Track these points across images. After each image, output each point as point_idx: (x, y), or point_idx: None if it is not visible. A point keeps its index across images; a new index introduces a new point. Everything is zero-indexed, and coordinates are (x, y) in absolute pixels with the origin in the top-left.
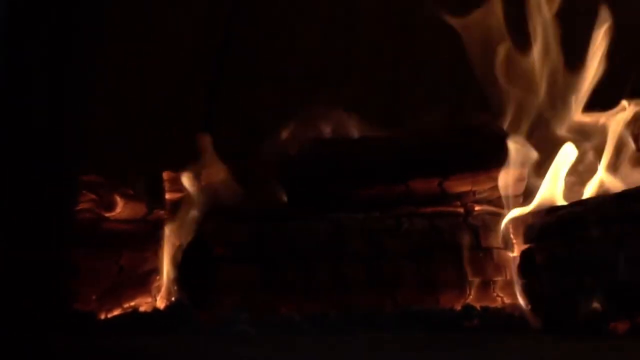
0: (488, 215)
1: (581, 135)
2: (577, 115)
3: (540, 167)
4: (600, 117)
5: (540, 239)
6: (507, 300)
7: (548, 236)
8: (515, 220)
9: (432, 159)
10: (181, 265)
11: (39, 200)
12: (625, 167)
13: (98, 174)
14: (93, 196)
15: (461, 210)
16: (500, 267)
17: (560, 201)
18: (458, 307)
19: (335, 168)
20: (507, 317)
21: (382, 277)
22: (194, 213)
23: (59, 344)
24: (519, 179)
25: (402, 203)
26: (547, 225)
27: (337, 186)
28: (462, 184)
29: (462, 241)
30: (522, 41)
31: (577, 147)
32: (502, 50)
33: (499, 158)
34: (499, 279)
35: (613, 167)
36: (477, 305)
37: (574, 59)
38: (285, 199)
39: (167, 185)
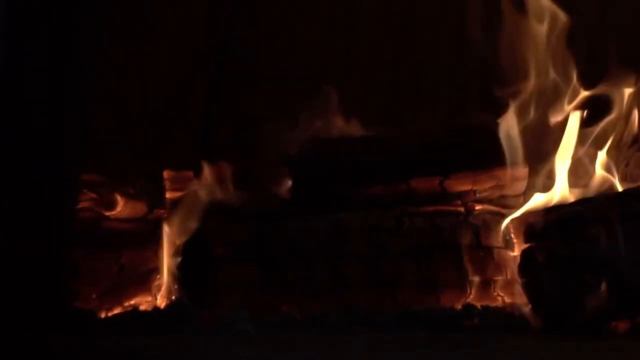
0: (488, 215)
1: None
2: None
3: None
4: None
5: (541, 238)
6: (507, 300)
7: (549, 235)
8: (515, 219)
9: (432, 158)
10: (181, 265)
11: (39, 200)
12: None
13: (98, 173)
14: (93, 195)
15: (462, 209)
16: (500, 266)
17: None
18: (458, 307)
19: (336, 168)
20: (508, 317)
21: (382, 277)
22: (194, 212)
23: (59, 344)
24: (520, 178)
25: (403, 202)
26: (548, 224)
27: (337, 186)
28: (463, 183)
29: (462, 240)
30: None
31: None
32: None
33: (500, 157)
34: (500, 278)
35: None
36: (478, 305)
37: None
38: (285, 198)
39: (167, 184)
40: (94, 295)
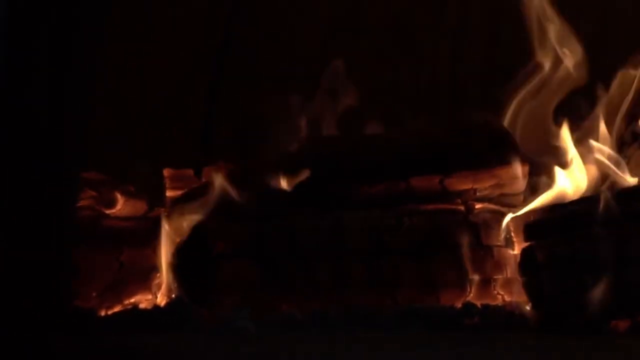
0: (489, 213)
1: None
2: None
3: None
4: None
5: (541, 237)
6: (507, 298)
7: (549, 234)
8: (516, 218)
9: (432, 157)
10: (181, 263)
11: (39, 200)
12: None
13: (98, 173)
14: (93, 193)
15: (462, 208)
16: (500, 265)
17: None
18: (459, 305)
19: (336, 167)
20: (508, 315)
21: (382, 275)
22: (194, 211)
23: (59, 344)
24: (520, 176)
25: (403, 201)
26: (548, 223)
27: (337, 185)
28: (463, 181)
29: (462, 239)
30: None
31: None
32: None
33: (500, 156)
34: (500, 276)
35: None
36: (478, 303)
37: None
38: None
39: (167, 183)
40: (94, 294)
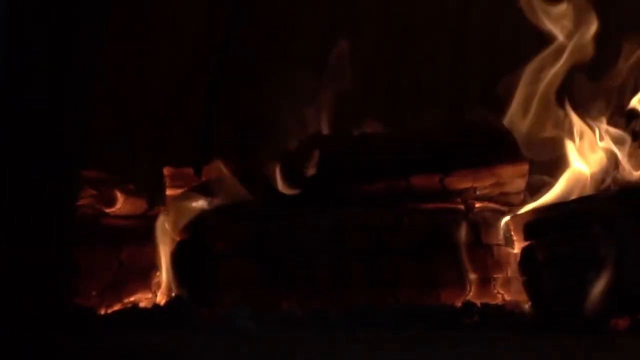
0: (489, 212)
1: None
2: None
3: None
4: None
5: (541, 236)
6: (507, 297)
7: (549, 233)
8: (516, 217)
9: (432, 156)
10: (181, 262)
11: (39, 200)
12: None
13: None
14: (93, 192)
15: (462, 206)
16: (500, 264)
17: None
18: (458, 304)
19: (336, 166)
20: (508, 314)
21: (382, 275)
22: (194, 209)
23: (59, 344)
24: (520, 175)
25: (403, 200)
26: (548, 222)
27: (337, 183)
28: (463, 180)
29: (462, 238)
30: None
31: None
32: None
33: (500, 155)
34: (500, 275)
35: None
36: (478, 302)
37: None
38: (285, 197)
39: (167, 181)
40: (93, 293)
